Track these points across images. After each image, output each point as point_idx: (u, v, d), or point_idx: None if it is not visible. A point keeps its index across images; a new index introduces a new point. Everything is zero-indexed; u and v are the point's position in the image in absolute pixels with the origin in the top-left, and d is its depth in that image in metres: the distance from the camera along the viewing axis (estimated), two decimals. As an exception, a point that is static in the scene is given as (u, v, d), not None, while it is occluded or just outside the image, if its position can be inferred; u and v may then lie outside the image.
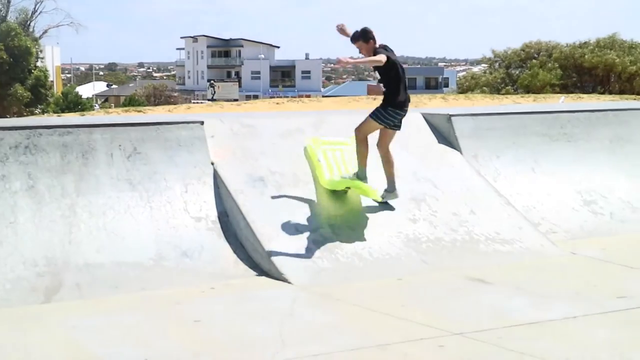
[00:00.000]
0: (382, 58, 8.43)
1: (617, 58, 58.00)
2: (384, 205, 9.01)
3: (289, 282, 7.72)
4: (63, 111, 58.88)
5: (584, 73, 60.63)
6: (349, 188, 8.92)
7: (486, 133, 10.64)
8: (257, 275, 7.96)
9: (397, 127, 8.76)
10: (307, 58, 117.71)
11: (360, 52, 8.74)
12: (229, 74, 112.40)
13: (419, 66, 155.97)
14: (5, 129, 8.22)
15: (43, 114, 60.06)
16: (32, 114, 60.84)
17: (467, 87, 66.17)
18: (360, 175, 8.77)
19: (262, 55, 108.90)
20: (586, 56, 59.29)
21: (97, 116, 29.35)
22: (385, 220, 8.88)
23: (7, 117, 48.72)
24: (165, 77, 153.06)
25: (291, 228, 8.39)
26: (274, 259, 7.97)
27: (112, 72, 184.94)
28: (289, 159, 9.25)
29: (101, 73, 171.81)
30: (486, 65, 71.34)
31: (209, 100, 79.93)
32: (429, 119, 10.63)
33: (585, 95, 37.74)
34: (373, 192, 8.85)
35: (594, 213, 10.20)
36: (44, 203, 7.93)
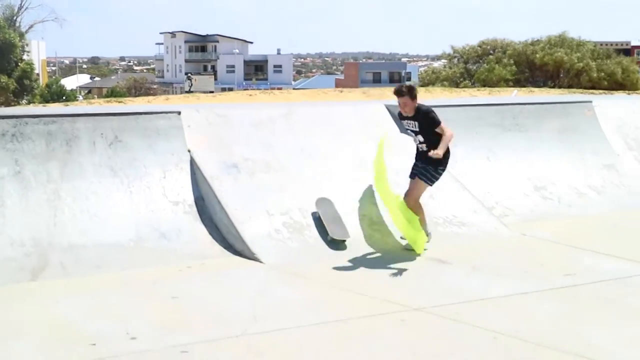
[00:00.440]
0: (451, 132, 8.13)
1: (566, 55, 58.36)
2: (353, 195, 8.98)
3: (261, 262, 7.74)
4: (48, 102, 58.26)
5: (536, 69, 60.94)
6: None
7: (445, 123, 10.65)
8: (231, 255, 7.97)
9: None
10: (278, 53, 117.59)
11: (403, 108, 8.25)
12: (205, 68, 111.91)
13: (383, 61, 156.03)
14: (-7, 118, 8.14)
15: (29, 104, 59.41)
16: (19, 104, 60.19)
17: (428, 81, 66.25)
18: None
19: (237, 50, 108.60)
20: (537, 54, 59.61)
21: (80, 106, 29.12)
22: (351, 205, 8.90)
23: (-6, 108, 48.03)
24: (145, 71, 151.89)
25: (263, 211, 8.40)
26: (247, 240, 7.98)
27: (95, 66, 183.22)
28: (260, 147, 9.24)
29: (84, 66, 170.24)
30: (446, 60, 71.46)
31: (186, 92, 79.40)
32: (392, 110, 10.63)
33: (536, 89, 37.96)
34: (420, 247, 8.18)
35: (544, 198, 10.29)
36: (30, 188, 7.87)
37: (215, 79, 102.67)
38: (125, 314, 6.24)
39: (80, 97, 74.79)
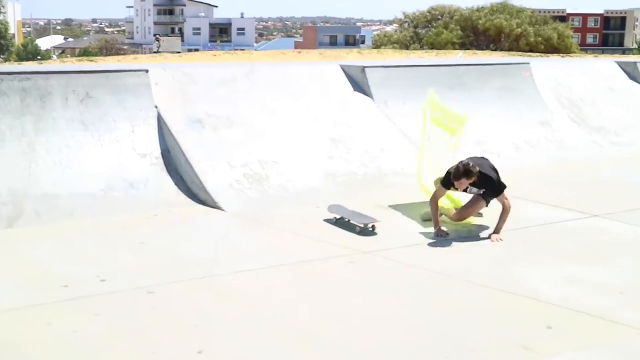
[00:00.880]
0: (510, 204, 7.08)
1: (506, 21, 58.58)
2: (309, 149, 8.95)
3: (223, 210, 7.73)
4: (23, 61, 57.14)
5: (480, 34, 61.12)
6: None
7: (395, 83, 10.68)
8: (195, 204, 7.94)
9: None
10: (242, 17, 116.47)
11: (461, 189, 7.07)
12: (173, 30, 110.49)
13: (340, 25, 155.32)
14: (-30, 75, 7.97)
15: (5, 62, 58.21)
16: (-5, 63, 58.92)
17: (380, 44, 66.10)
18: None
19: (203, 14, 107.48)
20: (481, 20, 59.73)
21: (53, 65, 28.60)
22: (308, 158, 8.90)
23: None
24: (116, 32, 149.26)
25: (225, 164, 8.36)
26: (210, 190, 7.96)
27: (68, 27, 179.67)
28: (224, 103, 9.17)
29: (59, 28, 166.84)
30: (398, 25, 71.33)
31: (154, 53, 78.25)
32: (346, 70, 10.60)
33: (480, 52, 38.08)
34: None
35: (485, 152, 10.33)
36: (6, 141, 7.74)
37: (183, 40, 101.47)
38: (96, 258, 6.21)
39: (54, 57, 73.35)
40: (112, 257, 6.27)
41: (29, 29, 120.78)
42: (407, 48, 59.53)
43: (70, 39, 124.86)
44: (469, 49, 49.11)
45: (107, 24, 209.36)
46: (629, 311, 5.30)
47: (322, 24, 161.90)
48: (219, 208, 7.77)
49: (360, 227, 7.10)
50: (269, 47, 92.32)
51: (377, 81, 10.46)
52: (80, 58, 46.73)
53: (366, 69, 10.46)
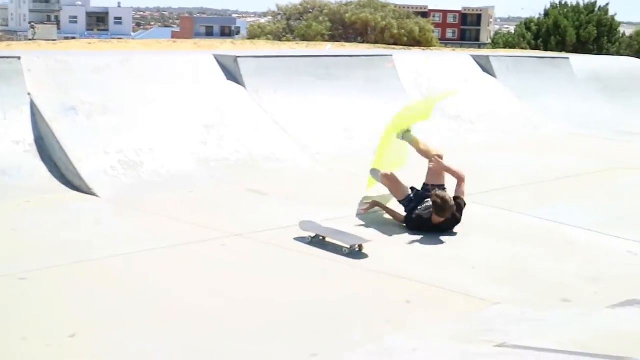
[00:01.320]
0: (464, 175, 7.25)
1: (370, 15, 59.65)
2: (183, 135, 8.81)
3: (97, 196, 7.50)
4: None
5: (348, 26, 61.85)
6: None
7: (266, 72, 10.66)
8: (69, 190, 7.66)
9: None
10: (119, 6, 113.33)
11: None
12: (49, 18, 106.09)
13: (216, 16, 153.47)
14: None
15: None
16: None
17: (254, 35, 65.75)
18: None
19: (79, 2, 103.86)
20: (347, 14, 60.56)
21: None
22: (181, 144, 8.76)
23: None
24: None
25: (99, 150, 8.11)
26: (84, 176, 7.69)
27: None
28: (98, 90, 8.88)
29: None
30: (271, 17, 71.20)
31: (29, 40, 75.04)
32: (219, 60, 10.49)
33: (347, 44, 38.44)
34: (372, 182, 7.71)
35: (349, 139, 10.50)
36: None
37: (59, 28, 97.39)
38: (-34, 245, 5.90)
39: None
40: (-18, 243, 5.97)
41: None
42: (280, 39, 59.44)
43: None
44: (338, 41, 49.58)
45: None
46: (481, 285, 5.51)
47: (198, 15, 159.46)
48: (93, 194, 7.53)
49: (347, 248, 6.00)
50: (147, 37, 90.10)
51: (249, 70, 10.40)
52: (-48, 44, 44.18)
53: (238, 59, 10.39)
